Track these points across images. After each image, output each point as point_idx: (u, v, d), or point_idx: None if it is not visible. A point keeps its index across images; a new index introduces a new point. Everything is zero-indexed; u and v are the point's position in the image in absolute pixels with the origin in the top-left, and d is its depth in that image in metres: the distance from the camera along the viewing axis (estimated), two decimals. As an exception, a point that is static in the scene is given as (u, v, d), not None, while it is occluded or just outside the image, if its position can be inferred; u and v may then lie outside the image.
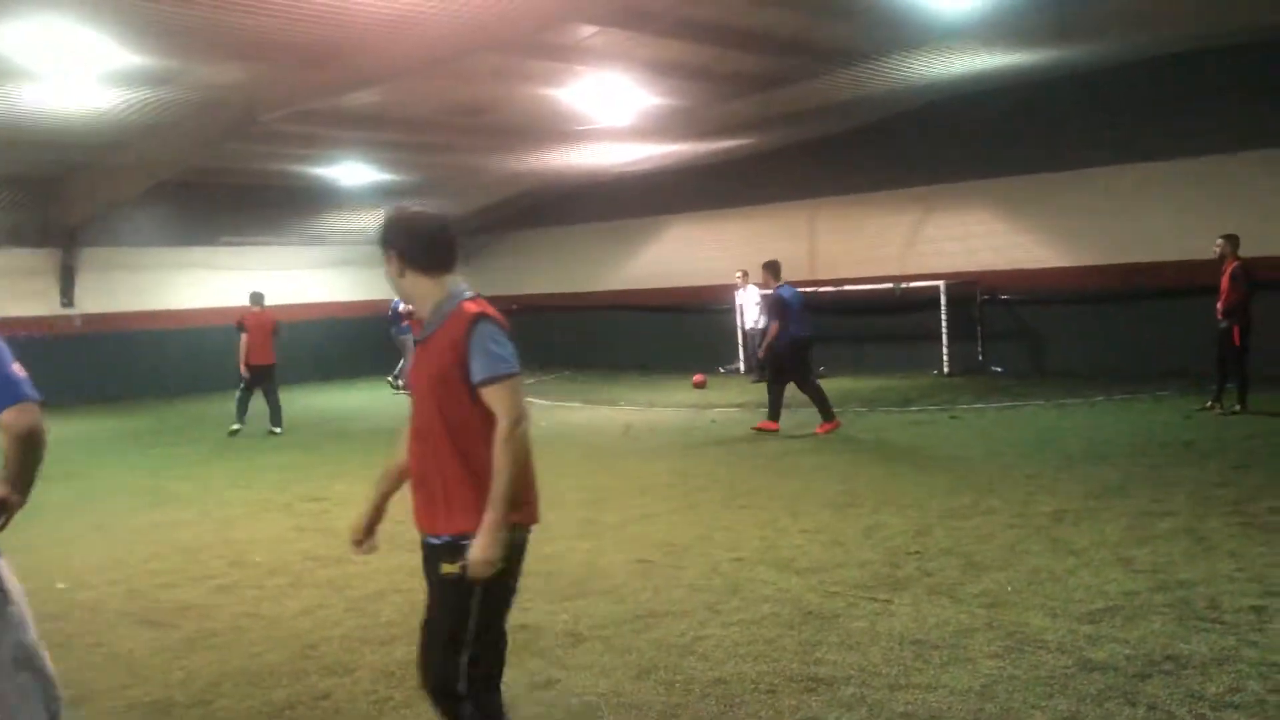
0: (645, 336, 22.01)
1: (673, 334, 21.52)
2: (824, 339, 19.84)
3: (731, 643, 5.13)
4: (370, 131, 16.84)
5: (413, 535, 7.76)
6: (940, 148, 17.61)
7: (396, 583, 6.49)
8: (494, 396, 3.22)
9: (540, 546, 7.17)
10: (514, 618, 5.57)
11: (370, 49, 12.10)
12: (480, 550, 3.18)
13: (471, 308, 3.33)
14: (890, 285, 18.05)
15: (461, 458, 3.26)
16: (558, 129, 16.90)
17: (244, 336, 14.40)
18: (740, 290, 18.61)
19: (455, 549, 3.26)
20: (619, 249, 23.07)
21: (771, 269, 12.43)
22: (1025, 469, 9.20)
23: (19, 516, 6.46)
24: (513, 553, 3.31)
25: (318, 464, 11.54)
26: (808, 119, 16.37)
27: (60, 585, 6.79)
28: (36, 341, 19.28)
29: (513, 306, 24.84)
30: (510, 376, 3.25)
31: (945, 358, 17.47)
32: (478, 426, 3.24)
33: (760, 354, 12.27)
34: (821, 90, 14.51)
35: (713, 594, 5.96)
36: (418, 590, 6.26)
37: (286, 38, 11.60)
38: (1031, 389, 15.04)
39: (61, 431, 15.71)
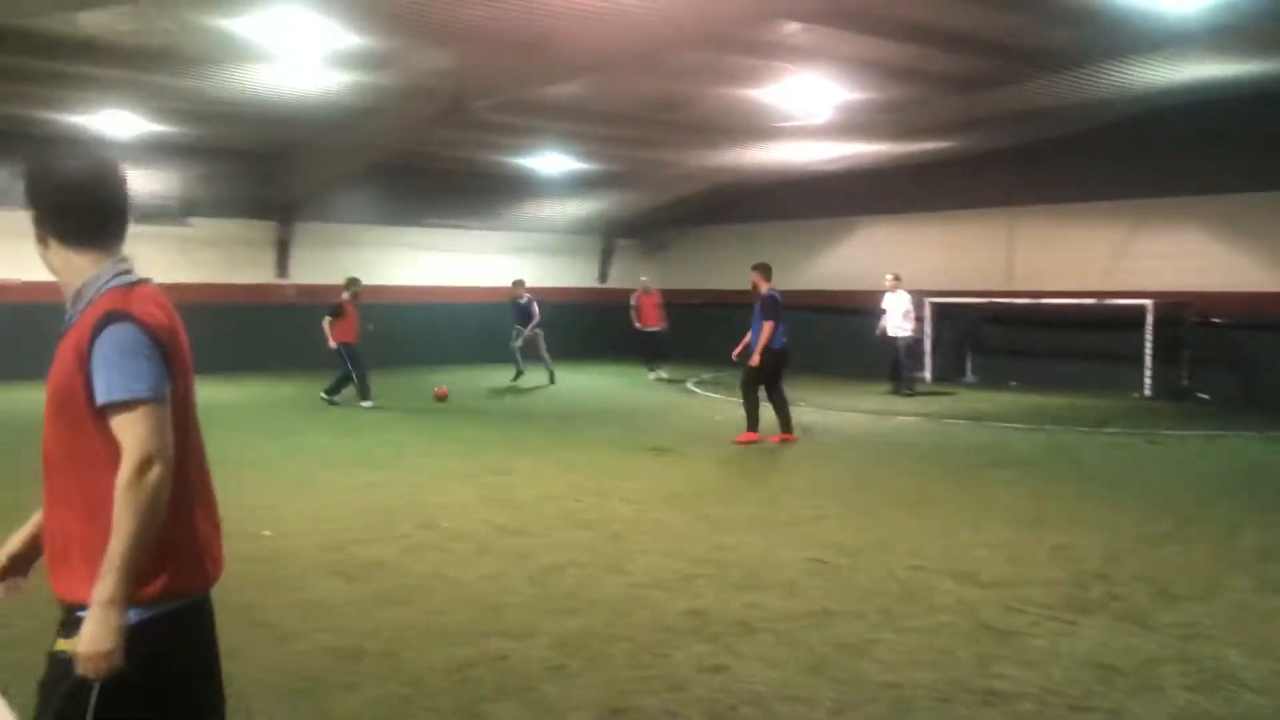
0: (829, 338, 21.76)
1: (857, 337, 21.20)
2: (1018, 353, 19.34)
3: (906, 648, 5.05)
4: (569, 122, 17.25)
5: (592, 515, 7.96)
6: (1152, 160, 16.71)
7: (575, 558, 6.67)
8: (120, 427, 2.34)
9: (714, 537, 7.29)
10: (684, 603, 5.71)
11: (575, 41, 12.39)
12: (88, 640, 2.27)
13: (110, 301, 2.43)
14: (1093, 301, 17.27)
15: (85, 502, 2.40)
16: (753, 125, 16.90)
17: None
18: (890, 294, 17.90)
19: (72, 624, 2.35)
20: (808, 248, 22.87)
21: (764, 271, 12.14)
22: (1229, 501, 8.66)
23: (236, 466, 6.87)
24: (162, 638, 2.42)
25: (500, 440, 11.92)
26: (1014, 124, 15.83)
27: (266, 533, 7.27)
28: (253, 309, 20.67)
29: (697, 301, 25.03)
30: (142, 403, 2.34)
31: (1147, 380, 16.59)
32: (105, 461, 2.37)
33: (755, 360, 11.73)
34: (1031, 95, 14.00)
35: (888, 599, 5.88)
36: (595, 566, 6.46)
37: (496, 26, 12.00)
38: (1240, 419, 14.12)
39: (274, 394, 16.83)
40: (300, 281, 21.44)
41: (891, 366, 17.44)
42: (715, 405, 15.96)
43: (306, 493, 8.78)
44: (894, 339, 17.43)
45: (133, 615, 2.34)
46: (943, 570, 6.46)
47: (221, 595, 5.83)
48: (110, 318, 2.38)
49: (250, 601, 5.69)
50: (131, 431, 2.33)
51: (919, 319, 18.27)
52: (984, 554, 6.88)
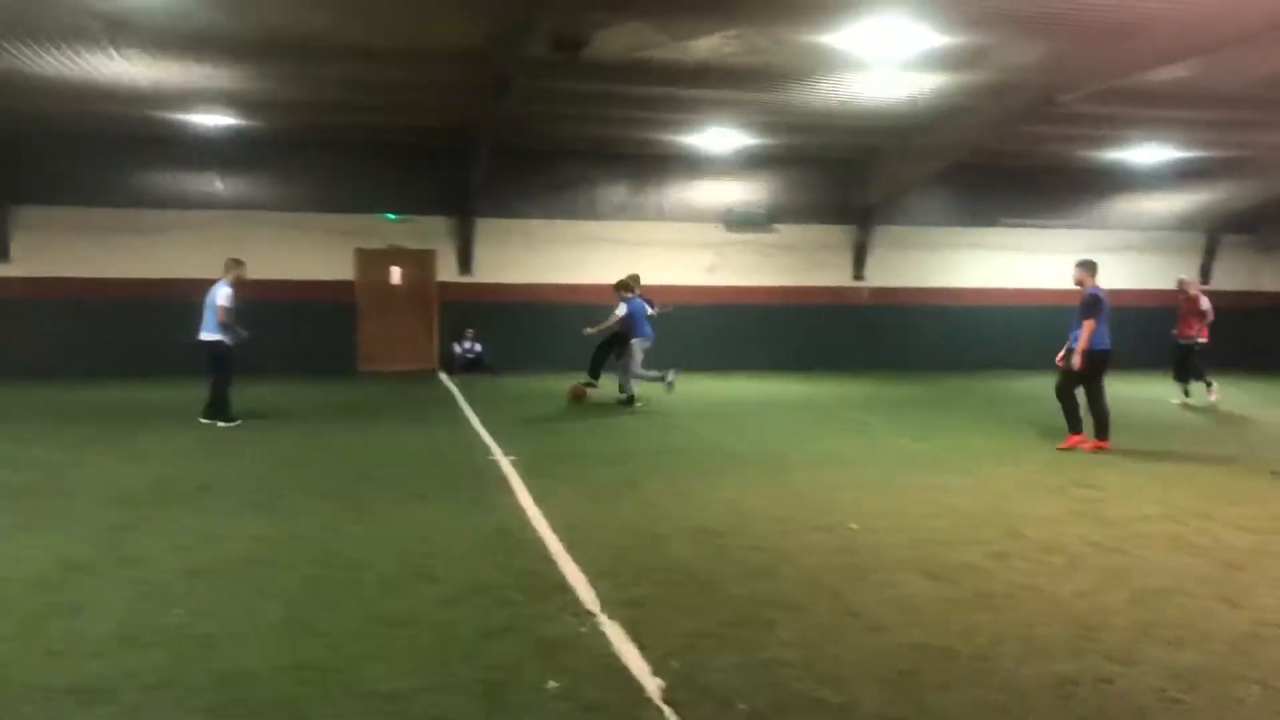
0: None
1: None
2: None
3: None
4: (1170, 109, 15.83)
5: (1198, 539, 7.19)
6: None
7: (1181, 584, 6.10)
8: None
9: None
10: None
11: (1176, 23, 11.33)
12: None
13: None
14: None
15: None
16: None
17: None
18: None
19: None
20: None
21: (1088, 267, 11.48)
22: None
23: (820, 461, 7.07)
24: None
25: (1087, 452, 11.21)
26: None
27: (853, 526, 7.52)
28: (829, 309, 21.55)
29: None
30: None
31: None
32: None
33: (1076, 362, 11.12)
34: None
35: None
36: (1207, 596, 5.85)
37: (1091, 15, 11.36)
38: None
39: (848, 392, 17.41)
40: (875, 284, 21.93)
41: None
42: None
43: (886, 490, 8.94)
44: None
45: None
46: None
47: (815, 580, 6.17)
48: None
49: (841, 590, 5.94)
50: None
51: None
52: None
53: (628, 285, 15.19)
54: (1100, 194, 21.86)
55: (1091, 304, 11.21)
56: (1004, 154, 19.59)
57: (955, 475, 9.75)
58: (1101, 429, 11.36)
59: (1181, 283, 16.53)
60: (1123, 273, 22.44)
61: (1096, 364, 11.31)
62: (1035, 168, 21.13)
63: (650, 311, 15.29)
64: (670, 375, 15.03)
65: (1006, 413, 14.67)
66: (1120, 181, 21.41)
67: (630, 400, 14.90)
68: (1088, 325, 11.15)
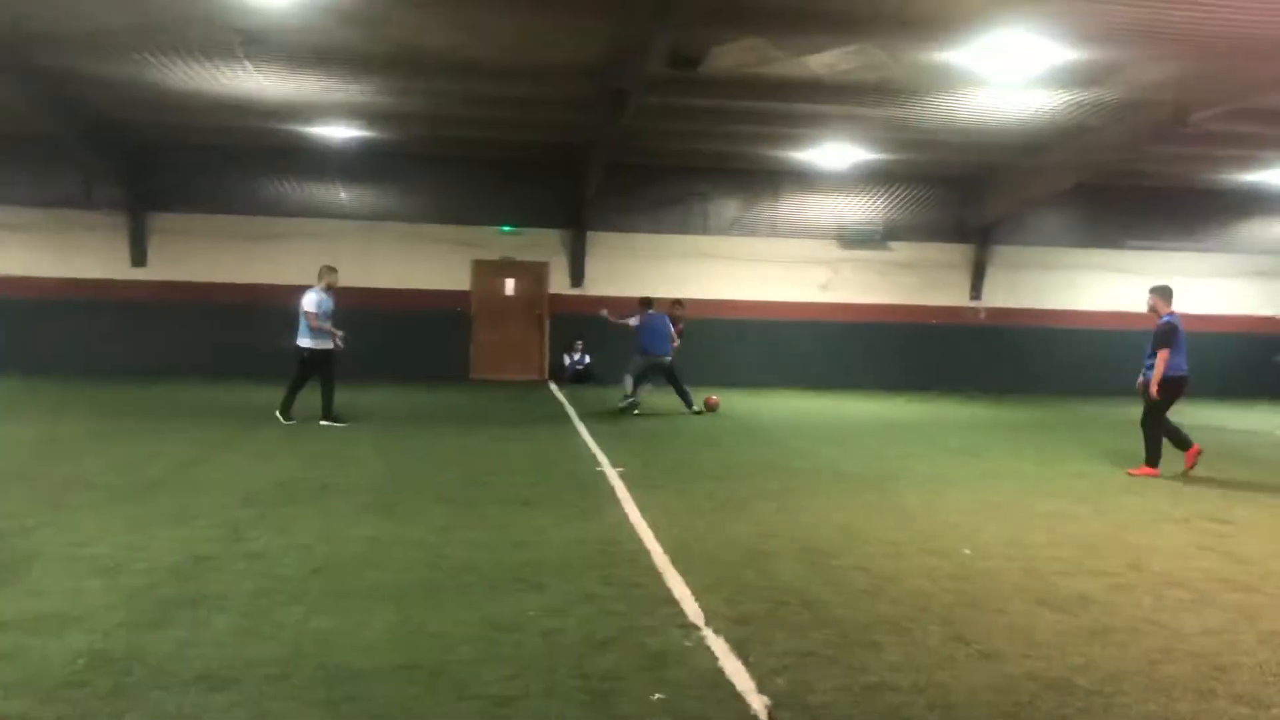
0: None
1: None
2: None
3: None
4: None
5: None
6: None
7: (1320, 627, 5.81)
8: None
9: None
10: None
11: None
12: None
13: None
14: None
15: None
16: None
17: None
18: None
19: None
20: None
21: (1163, 294, 11.28)
22: None
23: (938, 484, 6.87)
24: None
25: (1215, 483, 10.79)
26: None
27: (966, 551, 7.35)
28: (945, 330, 21.14)
29: None
30: None
31: None
32: None
33: (1153, 391, 10.91)
34: None
35: None
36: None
37: (1228, 30, 10.96)
38: None
39: (961, 414, 17.04)
40: (992, 304, 21.46)
41: None
42: None
43: (1002, 516, 8.73)
44: None
45: None
46: None
47: (925, 604, 6.06)
48: None
49: (952, 616, 5.81)
50: None
51: None
52: None
53: (650, 302, 16.33)
54: (1233, 216, 21.04)
55: (1168, 333, 11.02)
56: (1132, 173, 19.00)
57: (1074, 502, 9.47)
58: (1182, 442, 11.17)
59: None
60: (1254, 298, 21.58)
61: (1173, 390, 11.11)
62: (1165, 188, 20.44)
63: (671, 330, 15.93)
64: (632, 400, 15.67)
65: (1127, 440, 14.15)
66: (1255, 204, 20.57)
67: (630, 396, 15.70)
68: (1162, 356, 10.95)
